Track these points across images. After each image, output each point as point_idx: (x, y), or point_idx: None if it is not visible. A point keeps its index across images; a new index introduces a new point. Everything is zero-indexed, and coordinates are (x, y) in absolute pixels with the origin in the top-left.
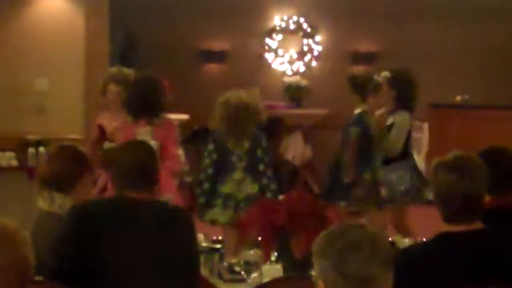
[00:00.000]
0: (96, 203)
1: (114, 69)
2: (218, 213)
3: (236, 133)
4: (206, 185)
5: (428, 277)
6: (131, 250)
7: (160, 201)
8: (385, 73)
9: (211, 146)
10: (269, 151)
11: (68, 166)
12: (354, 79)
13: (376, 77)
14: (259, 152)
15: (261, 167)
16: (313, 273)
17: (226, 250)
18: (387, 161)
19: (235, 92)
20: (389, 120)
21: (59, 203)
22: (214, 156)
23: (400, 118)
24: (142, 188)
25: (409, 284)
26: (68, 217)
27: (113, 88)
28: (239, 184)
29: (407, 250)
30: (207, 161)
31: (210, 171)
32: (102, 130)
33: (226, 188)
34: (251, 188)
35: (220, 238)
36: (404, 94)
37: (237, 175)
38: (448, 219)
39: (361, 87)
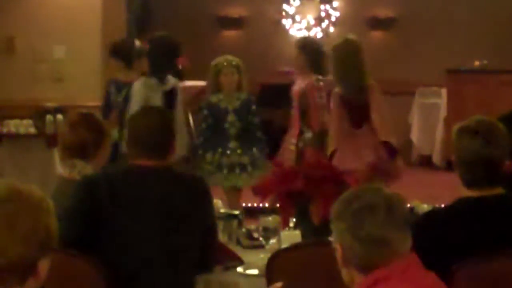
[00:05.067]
0: (108, 172)
1: None
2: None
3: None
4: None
5: (448, 241)
6: (143, 218)
7: (174, 169)
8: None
9: (205, 112)
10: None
11: (91, 133)
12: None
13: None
14: (249, 117)
15: (251, 128)
16: (331, 239)
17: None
18: None
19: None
20: None
21: (79, 170)
22: (210, 121)
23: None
24: (155, 156)
25: (429, 248)
26: (79, 186)
27: None
28: (234, 152)
29: (427, 215)
30: (203, 125)
31: (208, 134)
32: None
33: (225, 160)
34: (241, 159)
35: None
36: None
37: (232, 144)
38: (469, 184)
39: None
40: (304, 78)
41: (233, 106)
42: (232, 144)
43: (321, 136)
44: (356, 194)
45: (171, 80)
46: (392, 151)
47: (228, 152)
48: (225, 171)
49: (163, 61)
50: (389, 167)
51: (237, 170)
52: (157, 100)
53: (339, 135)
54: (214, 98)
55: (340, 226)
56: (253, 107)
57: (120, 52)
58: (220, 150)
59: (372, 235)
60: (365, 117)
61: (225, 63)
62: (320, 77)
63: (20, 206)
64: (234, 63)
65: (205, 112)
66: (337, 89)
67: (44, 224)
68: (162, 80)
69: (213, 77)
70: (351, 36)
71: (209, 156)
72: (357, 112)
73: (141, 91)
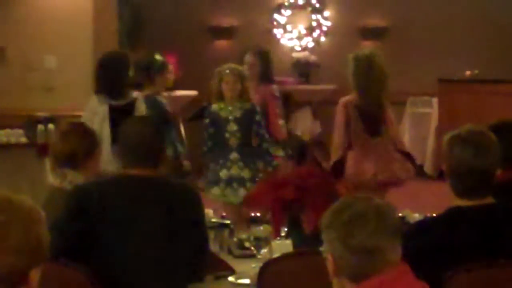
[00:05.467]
0: (99, 182)
1: None
2: (218, 192)
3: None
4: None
5: (439, 250)
6: (134, 228)
7: (166, 178)
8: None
9: (206, 121)
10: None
11: (83, 143)
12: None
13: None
14: (254, 127)
15: (257, 140)
16: (323, 249)
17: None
18: None
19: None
20: None
21: (70, 179)
22: (211, 130)
23: None
24: (146, 165)
25: (419, 257)
26: (70, 196)
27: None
28: (234, 165)
29: (419, 224)
30: (205, 134)
31: (209, 143)
32: None
33: (223, 173)
34: (242, 172)
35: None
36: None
37: (233, 156)
38: (460, 194)
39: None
40: (258, 87)
41: (234, 115)
42: (233, 156)
43: (285, 144)
44: (346, 203)
45: (131, 95)
46: (413, 161)
47: (229, 164)
48: (222, 185)
49: (111, 76)
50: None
51: (235, 185)
52: (101, 116)
53: (344, 145)
54: (215, 107)
55: (331, 235)
56: (257, 117)
57: (141, 68)
58: (221, 161)
59: (363, 244)
60: (378, 129)
61: (227, 71)
62: (275, 86)
63: (11, 216)
64: (236, 71)
65: (206, 121)
66: (349, 99)
67: (35, 234)
68: (112, 95)
69: (215, 85)
70: (374, 49)
71: (212, 165)
72: (371, 123)
73: (89, 107)
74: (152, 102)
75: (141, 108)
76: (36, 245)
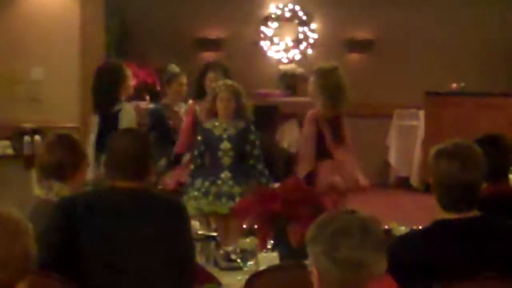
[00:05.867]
0: (85, 194)
1: None
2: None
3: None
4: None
5: (425, 263)
6: (120, 240)
7: (152, 191)
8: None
9: (199, 137)
10: (263, 140)
11: (69, 154)
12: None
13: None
14: (248, 147)
15: (251, 161)
16: (307, 262)
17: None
18: None
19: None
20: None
21: (56, 191)
22: (202, 148)
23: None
24: (134, 177)
25: (404, 271)
26: (56, 208)
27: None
28: (225, 183)
29: (405, 237)
30: (195, 152)
31: (198, 161)
32: None
33: (213, 189)
34: (232, 189)
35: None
36: None
37: (224, 175)
38: (446, 207)
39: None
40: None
41: (227, 133)
42: (224, 175)
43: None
44: (331, 217)
45: (119, 105)
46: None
47: (219, 182)
48: (210, 197)
49: (100, 87)
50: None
51: (224, 200)
52: (95, 125)
53: (314, 157)
54: (208, 124)
55: (316, 249)
56: (252, 136)
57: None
58: (211, 178)
59: (348, 258)
60: (342, 139)
61: (222, 87)
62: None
63: None
64: (231, 88)
65: (199, 138)
66: (316, 111)
67: (22, 247)
68: (104, 105)
69: (209, 102)
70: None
71: (198, 182)
72: (337, 133)
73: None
74: (154, 113)
75: (124, 118)
76: (23, 257)
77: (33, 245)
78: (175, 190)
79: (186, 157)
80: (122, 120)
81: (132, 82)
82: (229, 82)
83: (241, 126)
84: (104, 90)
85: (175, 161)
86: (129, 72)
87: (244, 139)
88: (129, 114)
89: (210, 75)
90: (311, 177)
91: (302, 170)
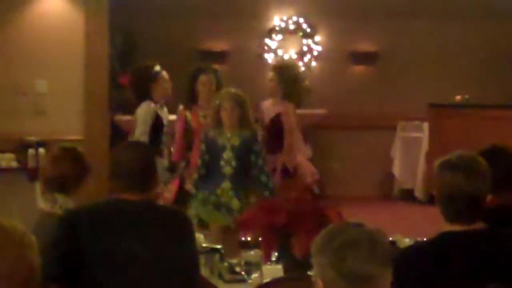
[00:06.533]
0: (90, 206)
1: None
2: (204, 214)
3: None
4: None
5: (428, 276)
6: (125, 252)
7: (157, 203)
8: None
9: (203, 147)
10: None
11: (73, 167)
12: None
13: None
14: (252, 157)
15: (255, 172)
16: (311, 273)
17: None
18: None
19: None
20: None
21: (60, 204)
22: (206, 157)
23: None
24: (138, 190)
25: (409, 283)
26: (61, 220)
27: None
28: (224, 193)
29: (409, 249)
30: (199, 161)
31: (202, 171)
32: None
33: (213, 199)
34: (231, 203)
35: None
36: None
37: (224, 185)
38: (451, 219)
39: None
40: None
41: (231, 143)
42: (225, 185)
43: None
44: (338, 229)
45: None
46: None
47: (219, 192)
48: (210, 207)
49: (133, 84)
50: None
51: (223, 211)
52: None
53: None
54: (212, 132)
55: (322, 261)
56: (256, 147)
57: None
58: (211, 187)
59: (355, 271)
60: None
61: (226, 96)
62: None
63: (3, 242)
64: (235, 97)
65: (203, 147)
66: (287, 106)
67: (27, 261)
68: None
69: (213, 111)
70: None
71: (200, 195)
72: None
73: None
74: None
75: (139, 116)
76: (28, 271)
77: (37, 259)
78: (175, 201)
79: (182, 164)
80: (137, 117)
81: (168, 84)
82: (233, 90)
83: (246, 136)
84: (135, 87)
85: (171, 170)
86: (165, 74)
87: (248, 149)
88: (140, 108)
89: (202, 78)
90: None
91: (293, 159)
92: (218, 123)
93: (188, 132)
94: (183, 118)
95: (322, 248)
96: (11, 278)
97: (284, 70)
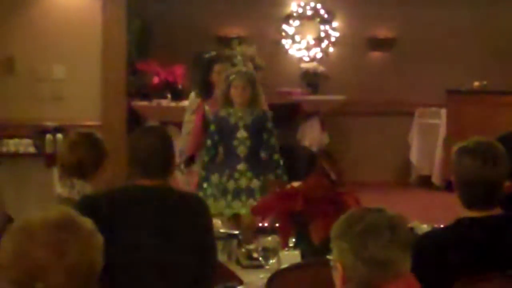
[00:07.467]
0: (108, 192)
1: None
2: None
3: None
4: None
5: (447, 262)
6: (142, 239)
7: (174, 189)
8: None
9: (212, 127)
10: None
11: (91, 153)
12: None
13: None
14: (264, 136)
15: (267, 151)
16: (330, 257)
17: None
18: None
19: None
20: None
21: (78, 190)
22: (216, 137)
23: None
24: (156, 175)
25: (428, 268)
26: (78, 206)
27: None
28: (242, 176)
29: (427, 235)
30: (208, 142)
31: (213, 152)
32: None
33: (231, 184)
34: (251, 183)
35: None
36: None
37: (241, 166)
38: (469, 205)
39: None
40: None
41: (244, 121)
42: (241, 166)
43: None
44: (359, 214)
45: None
46: None
47: (236, 175)
48: (229, 197)
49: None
50: None
51: (243, 197)
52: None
53: None
54: (223, 112)
55: (342, 245)
56: (269, 125)
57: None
58: (227, 172)
59: (375, 256)
60: None
61: (237, 75)
62: None
63: (72, 235)
64: (246, 75)
65: (212, 127)
66: None
67: (89, 259)
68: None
69: (224, 90)
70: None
71: (215, 178)
72: None
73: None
74: None
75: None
76: (87, 270)
77: (100, 261)
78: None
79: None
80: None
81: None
82: (244, 69)
83: (258, 114)
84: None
85: (187, 164)
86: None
87: (261, 127)
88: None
89: (217, 67)
90: None
91: None
92: (228, 102)
93: (207, 125)
94: (202, 112)
95: (342, 233)
96: (71, 274)
97: None
